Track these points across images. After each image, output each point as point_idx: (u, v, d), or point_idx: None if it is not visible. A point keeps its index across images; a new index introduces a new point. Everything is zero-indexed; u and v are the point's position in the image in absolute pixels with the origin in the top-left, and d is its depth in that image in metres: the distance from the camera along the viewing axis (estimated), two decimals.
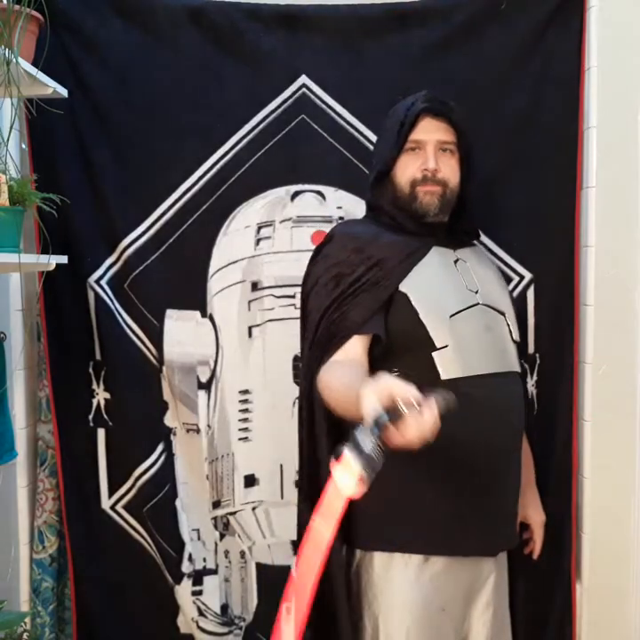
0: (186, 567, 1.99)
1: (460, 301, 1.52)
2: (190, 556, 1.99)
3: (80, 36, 1.89)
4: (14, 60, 1.46)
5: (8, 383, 1.81)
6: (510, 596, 1.63)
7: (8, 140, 1.59)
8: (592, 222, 1.86)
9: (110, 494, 2.00)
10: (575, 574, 1.93)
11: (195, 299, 1.97)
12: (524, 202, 1.92)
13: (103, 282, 1.95)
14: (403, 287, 1.49)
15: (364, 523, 1.51)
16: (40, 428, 2.00)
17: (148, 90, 1.92)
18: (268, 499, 1.99)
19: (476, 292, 1.55)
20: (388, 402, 1.11)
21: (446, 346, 1.46)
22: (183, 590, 1.99)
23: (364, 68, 1.92)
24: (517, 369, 1.58)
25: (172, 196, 1.94)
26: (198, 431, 1.98)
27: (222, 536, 2.03)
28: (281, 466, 1.98)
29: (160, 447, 1.99)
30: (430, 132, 1.55)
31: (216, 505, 2.01)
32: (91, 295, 1.94)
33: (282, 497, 1.98)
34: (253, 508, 2.00)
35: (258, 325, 1.96)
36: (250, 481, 1.99)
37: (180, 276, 1.96)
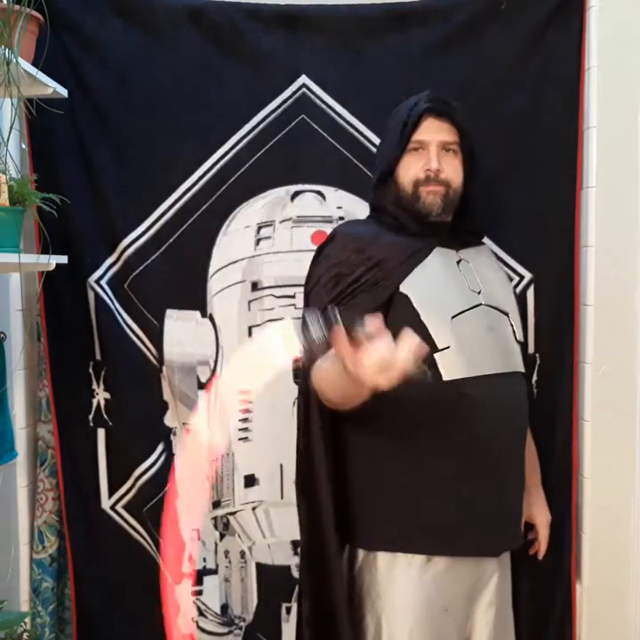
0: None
1: (463, 302, 1.52)
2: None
3: (80, 36, 1.89)
4: (14, 59, 1.46)
5: (8, 383, 1.81)
6: (513, 596, 1.63)
7: (8, 140, 1.59)
8: (592, 222, 1.87)
9: (110, 494, 2.01)
10: (575, 574, 1.94)
11: (195, 299, 1.97)
12: (524, 202, 1.92)
13: (103, 282, 1.95)
14: (404, 288, 1.49)
15: (367, 522, 1.52)
16: (40, 428, 2.00)
17: (147, 90, 1.92)
18: (268, 499, 1.99)
19: (479, 293, 1.55)
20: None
21: (448, 347, 1.46)
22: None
23: (364, 67, 1.92)
24: (521, 369, 1.58)
25: (172, 196, 1.94)
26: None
27: (222, 536, 2.03)
28: (281, 466, 1.98)
29: (160, 447, 1.99)
30: (433, 132, 1.55)
31: (216, 505, 2.01)
32: (91, 295, 1.94)
33: (282, 497, 1.98)
34: (253, 508, 2.00)
35: (258, 325, 1.96)
36: (250, 481, 1.99)
37: (180, 276, 1.96)
